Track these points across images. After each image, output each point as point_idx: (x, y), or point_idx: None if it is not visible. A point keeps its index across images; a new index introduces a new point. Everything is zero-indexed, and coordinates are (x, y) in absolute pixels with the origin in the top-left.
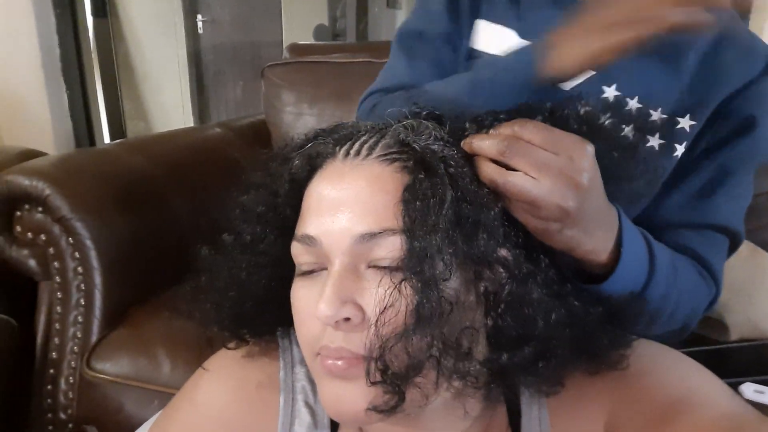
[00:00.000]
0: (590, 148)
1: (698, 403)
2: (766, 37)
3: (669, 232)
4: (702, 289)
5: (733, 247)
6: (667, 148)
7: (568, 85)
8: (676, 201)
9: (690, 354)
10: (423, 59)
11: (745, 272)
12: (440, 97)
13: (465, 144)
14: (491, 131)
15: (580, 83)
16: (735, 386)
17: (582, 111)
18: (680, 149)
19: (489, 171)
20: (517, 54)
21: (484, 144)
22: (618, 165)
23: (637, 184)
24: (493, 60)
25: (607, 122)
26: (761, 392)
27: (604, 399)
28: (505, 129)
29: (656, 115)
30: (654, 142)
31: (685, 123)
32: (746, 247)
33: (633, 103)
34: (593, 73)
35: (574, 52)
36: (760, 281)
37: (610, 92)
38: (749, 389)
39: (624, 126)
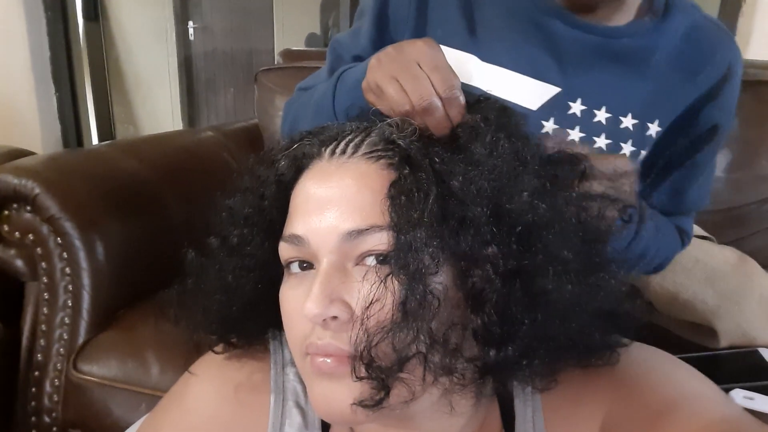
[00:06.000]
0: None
1: (694, 406)
2: (756, 32)
3: None
4: (676, 242)
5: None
6: (636, 155)
7: (536, 105)
8: (653, 198)
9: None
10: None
11: (734, 280)
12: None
13: None
14: None
15: (546, 102)
16: (725, 393)
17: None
18: (643, 154)
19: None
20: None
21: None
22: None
23: None
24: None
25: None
26: (751, 398)
27: (600, 401)
28: None
29: (627, 121)
30: (627, 149)
31: (653, 129)
32: (735, 255)
33: (601, 114)
34: (559, 90)
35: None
36: (749, 289)
37: (576, 107)
38: (739, 395)
39: (595, 138)
